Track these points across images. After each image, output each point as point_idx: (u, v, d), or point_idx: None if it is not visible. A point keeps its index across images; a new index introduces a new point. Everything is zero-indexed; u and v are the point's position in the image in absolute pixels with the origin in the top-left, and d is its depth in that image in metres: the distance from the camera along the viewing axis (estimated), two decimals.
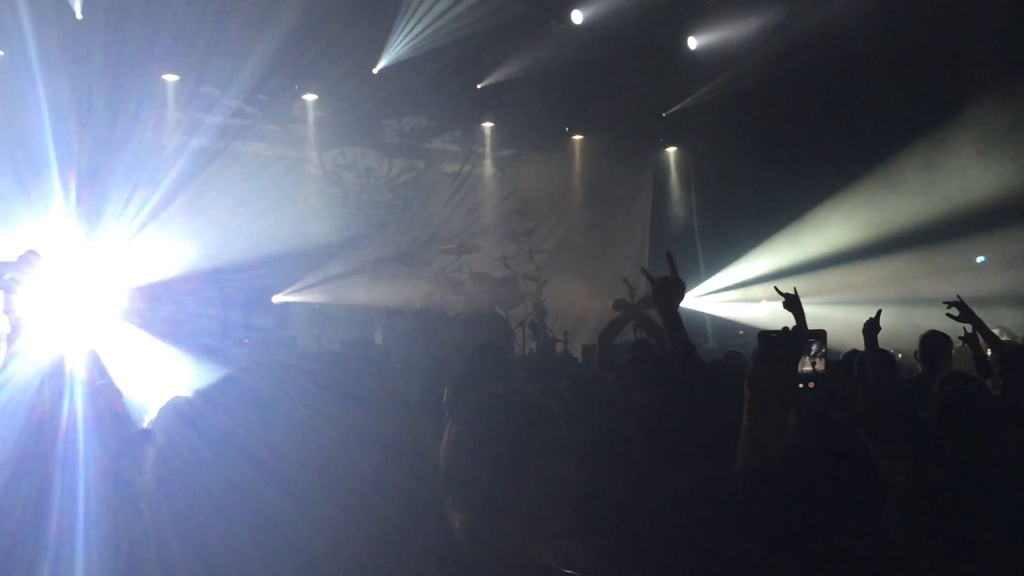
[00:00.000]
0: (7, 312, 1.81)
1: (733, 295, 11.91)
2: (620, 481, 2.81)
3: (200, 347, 7.95)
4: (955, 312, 5.07)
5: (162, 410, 3.58)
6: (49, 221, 8.65)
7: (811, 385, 2.13)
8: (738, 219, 12.41)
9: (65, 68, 9.11)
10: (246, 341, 8.28)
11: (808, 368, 2.14)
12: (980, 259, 10.54)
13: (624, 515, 2.41)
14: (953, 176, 9.85)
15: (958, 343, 5.31)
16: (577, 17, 10.60)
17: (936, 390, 3.35)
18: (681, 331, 3.52)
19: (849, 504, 2.13)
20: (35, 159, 8.94)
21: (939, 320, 5.27)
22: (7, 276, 1.89)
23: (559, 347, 10.30)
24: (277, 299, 9.86)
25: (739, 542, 2.01)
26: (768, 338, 2.15)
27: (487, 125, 12.66)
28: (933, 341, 5.14)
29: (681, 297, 3.83)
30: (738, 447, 2.11)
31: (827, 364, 2.14)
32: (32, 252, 1.87)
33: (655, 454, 2.80)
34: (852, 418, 2.10)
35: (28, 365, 1.79)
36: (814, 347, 2.16)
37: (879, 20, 9.52)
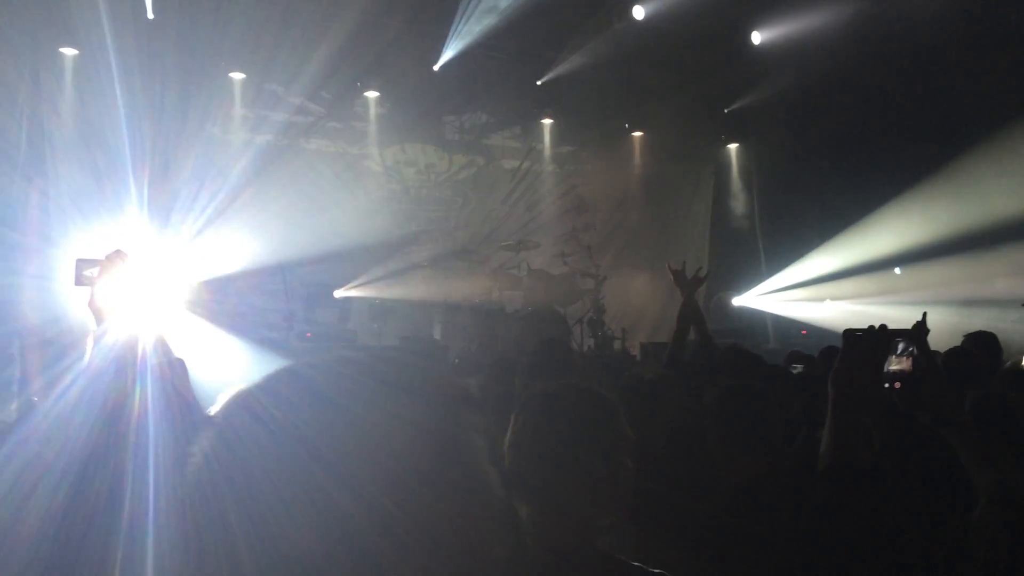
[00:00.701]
0: (91, 307, 1.88)
1: (796, 294, 11.70)
2: (683, 473, 2.83)
3: (264, 340, 8.13)
4: None
5: (228, 401, 3.68)
6: (123, 216, 8.93)
7: (897, 385, 2.09)
8: (801, 217, 12.18)
9: (138, 67, 9.38)
10: (308, 335, 8.42)
11: (895, 367, 2.10)
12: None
13: (688, 505, 2.41)
14: None
15: None
16: (639, 12, 10.52)
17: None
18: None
19: (936, 509, 2.09)
20: (110, 156, 9.24)
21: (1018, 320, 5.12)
22: (90, 272, 1.96)
23: (617, 344, 10.26)
24: (339, 294, 10.00)
25: (820, 539, 1.98)
26: (853, 336, 2.11)
27: (546, 121, 12.65)
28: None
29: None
30: (822, 446, 2.09)
31: (914, 364, 2.10)
32: (118, 251, 1.94)
33: (731, 440, 2.83)
34: (940, 421, 2.06)
35: (104, 355, 1.86)
36: (900, 346, 2.11)
37: (953, 17, 9.25)
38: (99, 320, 1.86)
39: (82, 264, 1.99)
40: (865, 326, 2.12)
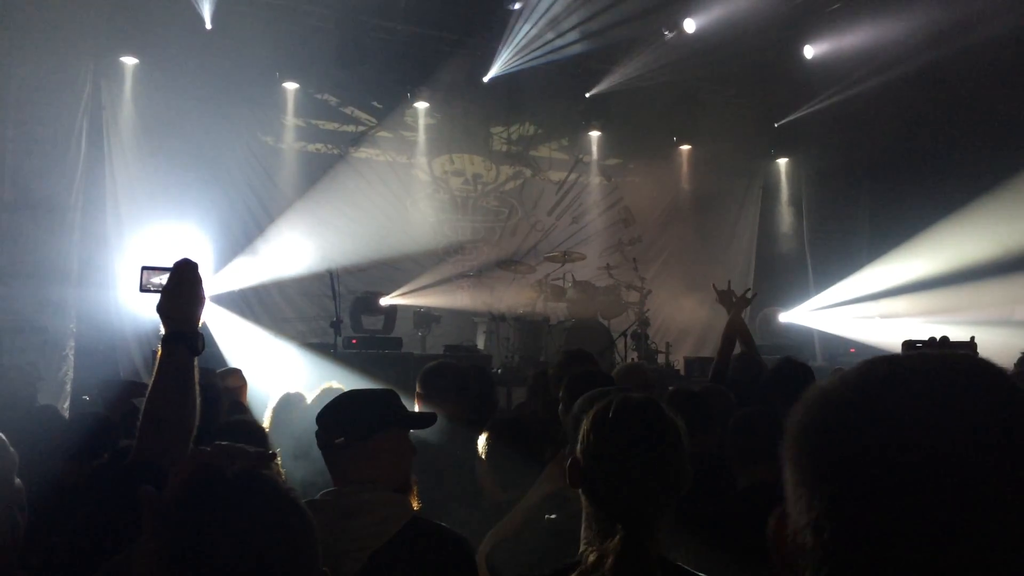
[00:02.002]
0: (161, 312, 1.94)
1: (844, 311, 11.53)
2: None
3: (310, 345, 8.25)
4: None
5: (277, 406, 3.75)
6: (179, 224, 9.15)
7: None
8: (850, 233, 12.03)
9: (194, 76, 9.61)
10: (354, 341, 8.52)
11: None
12: None
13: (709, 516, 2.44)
14: None
15: None
16: (690, 26, 10.50)
17: None
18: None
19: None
20: (167, 164, 9.47)
21: None
22: (157, 279, 2.03)
23: (661, 358, 10.21)
24: (384, 301, 10.10)
25: None
26: (913, 348, 2.11)
27: (594, 134, 12.65)
28: None
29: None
30: None
31: None
32: (187, 260, 2.01)
33: (737, 452, 2.93)
34: None
35: (169, 376, 1.90)
36: None
37: (1010, 37, 9.07)
38: (167, 326, 1.92)
39: (148, 271, 2.06)
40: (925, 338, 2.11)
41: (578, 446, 1.76)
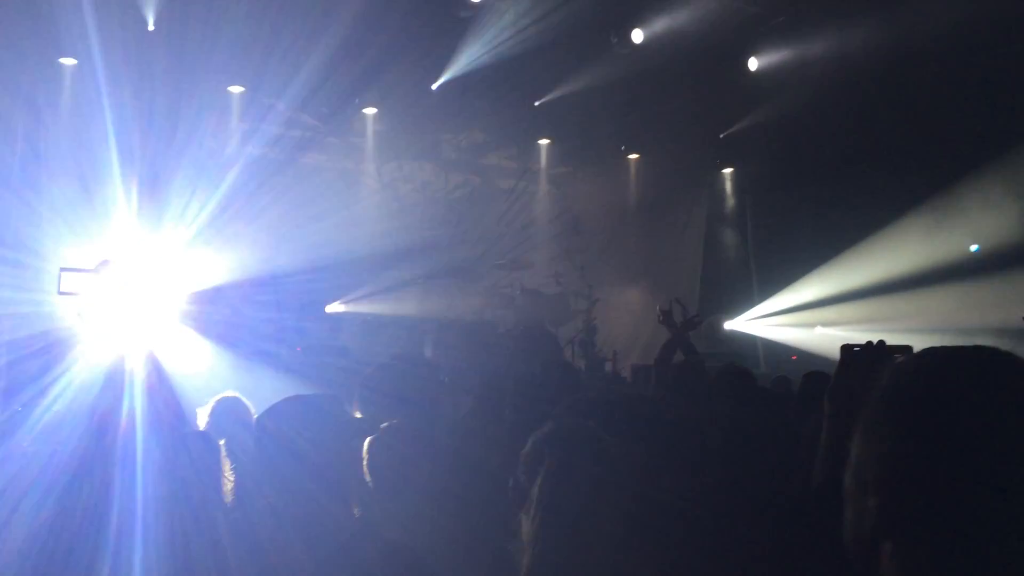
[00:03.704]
0: (80, 315, 1.89)
1: (787, 319, 11.74)
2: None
3: (255, 352, 8.10)
4: None
5: (214, 410, 3.67)
6: (112, 226, 8.91)
7: None
8: (794, 243, 12.24)
9: (135, 78, 9.40)
10: (299, 348, 8.40)
11: None
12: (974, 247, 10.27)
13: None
14: (1018, 204, 9.62)
15: None
16: (638, 36, 10.60)
17: None
18: None
19: None
20: (100, 166, 9.23)
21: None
22: (77, 281, 1.97)
23: (608, 366, 10.26)
24: (330, 308, 9.99)
25: (815, 552, 2.00)
26: (851, 351, 2.14)
27: (543, 142, 12.70)
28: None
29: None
30: (817, 460, 2.11)
31: None
32: (106, 261, 1.95)
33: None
34: None
35: (91, 367, 1.86)
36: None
37: (947, 48, 9.34)
38: (88, 328, 1.87)
39: (66, 273, 2.00)
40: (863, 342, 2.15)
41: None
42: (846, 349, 2.17)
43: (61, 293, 1.89)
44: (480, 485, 2.73)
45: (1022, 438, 0.96)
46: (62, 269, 1.91)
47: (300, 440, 2.21)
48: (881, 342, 2.11)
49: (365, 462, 2.77)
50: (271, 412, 2.35)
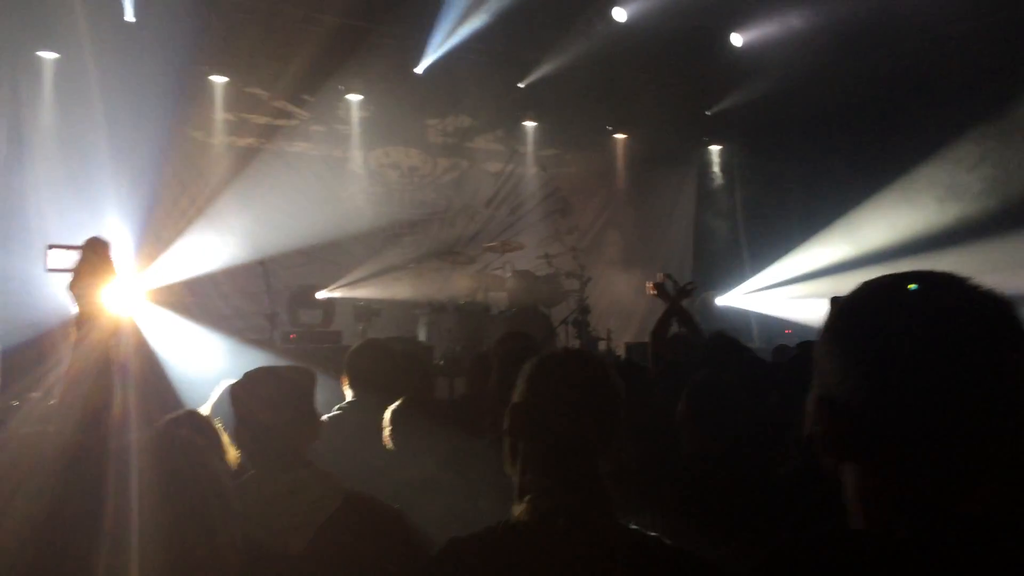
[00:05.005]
0: (71, 291, 1.88)
1: (779, 293, 11.77)
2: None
3: (248, 341, 8.10)
4: None
5: (219, 399, 3.66)
6: (102, 220, 8.87)
7: None
8: (783, 217, 12.28)
9: (117, 70, 9.32)
10: (292, 336, 8.39)
11: None
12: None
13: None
14: (1014, 170, 9.63)
15: None
16: (620, 14, 10.56)
17: None
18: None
19: None
20: (89, 159, 9.18)
21: None
22: (66, 257, 1.96)
23: (602, 345, 10.29)
24: (322, 295, 9.97)
25: (802, 502, 2.04)
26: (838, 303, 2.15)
27: (529, 124, 12.67)
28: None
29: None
30: (805, 413, 2.13)
31: None
32: (96, 238, 1.94)
33: (691, 429, 3.04)
34: None
35: (85, 357, 1.85)
36: None
37: (935, 16, 9.34)
38: (79, 306, 1.86)
39: (54, 250, 1.99)
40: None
41: (515, 396, 1.76)
42: (835, 301, 2.18)
43: (49, 270, 1.89)
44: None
45: (966, 358, 0.98)
46: (49, 245, 1.91)
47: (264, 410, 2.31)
48: None
49: (387, 431, 2.94)
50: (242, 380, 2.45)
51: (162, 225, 9.75)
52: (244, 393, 2.47)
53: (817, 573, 0.93)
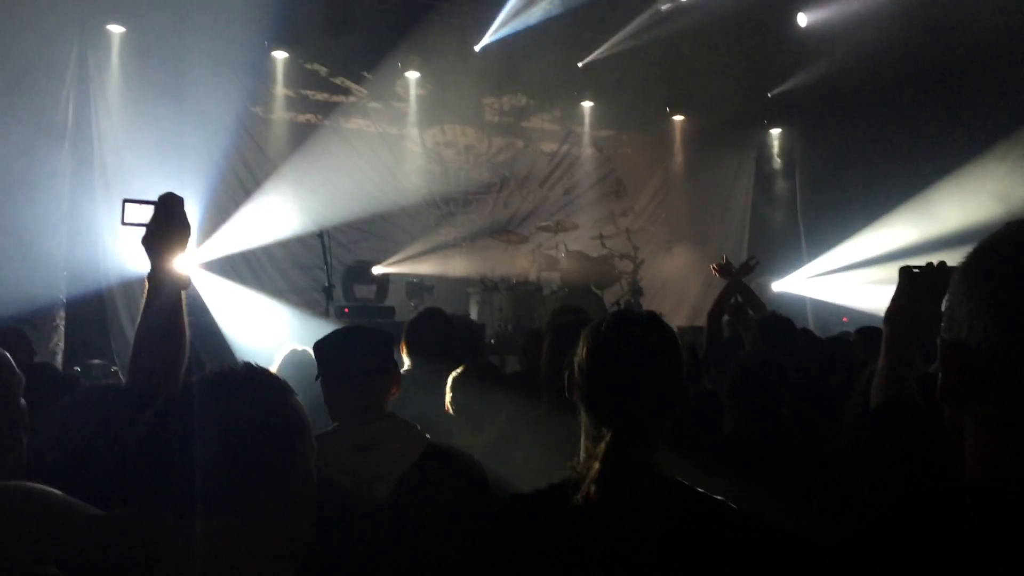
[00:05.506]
0: (145, 245, 1.91)
1: (837, 279, 11.53)
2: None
3: (304, 312, 8.22)
4: None
5: (282, 363, 3.72)
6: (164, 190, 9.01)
7: None
8: (843, 202, 12.00)
9: (182, 45, 9.47)
10: (346, 310, 8.48)
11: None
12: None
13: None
14: None
15: None
16: None
17: None
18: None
19: None
20: (155, 133, 9.35)
21: None
22: (140, 212, 1.99)
23: None
24: (377, 270, 10.05)
25: (871, 473, 2.00)
26: (910, 274, 2.09)
27: (586, 104, 12.57)
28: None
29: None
30: (873, 386, 2.09)
31: None
32: (170, 194, 1.97)
33: (735, 404, 3.06)
34: None
35: (158, 310, 1.88)
36: None
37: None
38: (151, 261, 1.89)
39: (129, 204, 2.02)
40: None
41: (575, 360, 1.75)
42: (905, 271, 2.12)
43: (125, 224, 1.93)
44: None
45: None
46: (125, 200, 1.95)
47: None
48: (942, 263, 2.05)
49: (449, 397, 3.00)
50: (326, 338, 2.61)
51: (222, 198, 9.91)
52: (328, 347, 2.56)
53: (939, 528, 0.90)
